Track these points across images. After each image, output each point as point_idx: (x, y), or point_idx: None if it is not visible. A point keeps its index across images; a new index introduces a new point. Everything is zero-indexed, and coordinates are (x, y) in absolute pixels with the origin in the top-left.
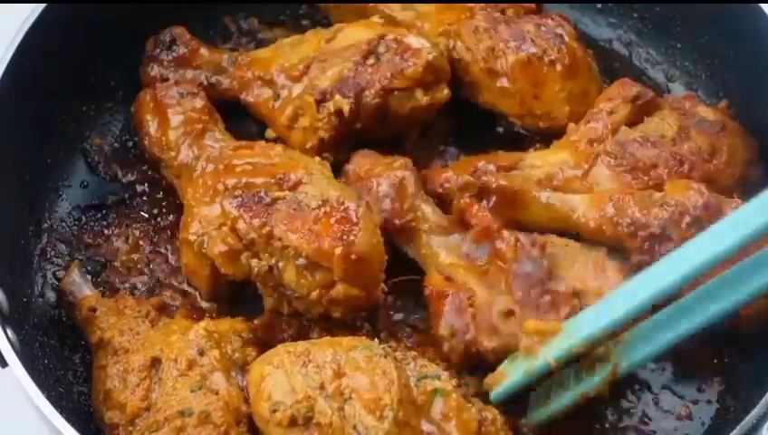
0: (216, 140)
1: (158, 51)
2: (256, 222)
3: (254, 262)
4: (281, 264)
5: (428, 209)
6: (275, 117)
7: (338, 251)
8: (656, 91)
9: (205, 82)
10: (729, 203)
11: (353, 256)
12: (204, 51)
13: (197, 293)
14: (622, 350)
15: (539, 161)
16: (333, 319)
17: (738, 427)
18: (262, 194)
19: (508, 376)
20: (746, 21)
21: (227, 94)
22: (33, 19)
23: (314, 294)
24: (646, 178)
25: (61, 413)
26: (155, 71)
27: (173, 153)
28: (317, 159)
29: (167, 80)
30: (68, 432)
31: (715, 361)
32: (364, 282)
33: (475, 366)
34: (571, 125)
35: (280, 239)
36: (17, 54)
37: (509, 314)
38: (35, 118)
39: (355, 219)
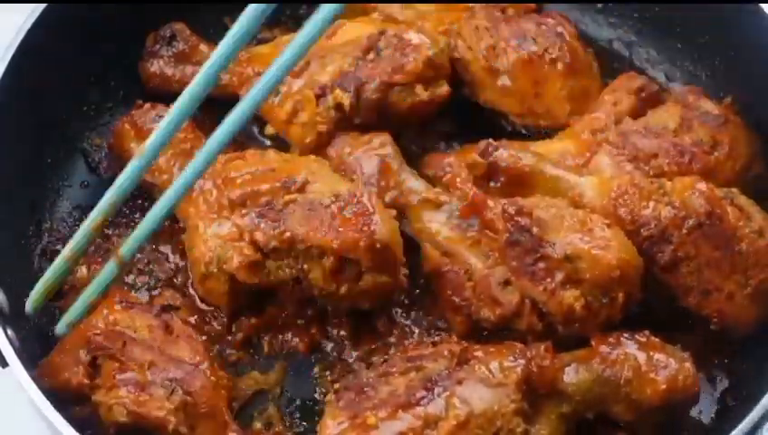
0: None
1: (157, 46)
2: (274, 230)
3: (275, 267)
4: (305, 266)
5: (415, 183)
6: (274, 112)
7: (362, 243)
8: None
9: None
10: (733, 210)
11: (378, 245)
12: (203, 47)
13: (195, 294)
14: None
15: (542, 150)
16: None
17: (738, 427)
18: (270, 201)
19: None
20: (746, 21)
21: (226, 90)
22: (33, 19)
23: (343, 288)
24: (646, 167)
25: (60, 413)
26: (155, 66)
27: (165, 176)
28: (312, 157)
29: (166, 75)
30: (68, 432)
31: (716, 361)
32: (389, 267)
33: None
34: (576, 117)
35: (302, 241)
36: (17, 54)
37: (507, 283)
38: (35, 118)
39: (371, 209)
